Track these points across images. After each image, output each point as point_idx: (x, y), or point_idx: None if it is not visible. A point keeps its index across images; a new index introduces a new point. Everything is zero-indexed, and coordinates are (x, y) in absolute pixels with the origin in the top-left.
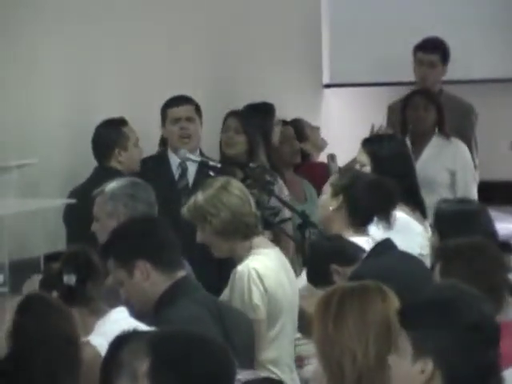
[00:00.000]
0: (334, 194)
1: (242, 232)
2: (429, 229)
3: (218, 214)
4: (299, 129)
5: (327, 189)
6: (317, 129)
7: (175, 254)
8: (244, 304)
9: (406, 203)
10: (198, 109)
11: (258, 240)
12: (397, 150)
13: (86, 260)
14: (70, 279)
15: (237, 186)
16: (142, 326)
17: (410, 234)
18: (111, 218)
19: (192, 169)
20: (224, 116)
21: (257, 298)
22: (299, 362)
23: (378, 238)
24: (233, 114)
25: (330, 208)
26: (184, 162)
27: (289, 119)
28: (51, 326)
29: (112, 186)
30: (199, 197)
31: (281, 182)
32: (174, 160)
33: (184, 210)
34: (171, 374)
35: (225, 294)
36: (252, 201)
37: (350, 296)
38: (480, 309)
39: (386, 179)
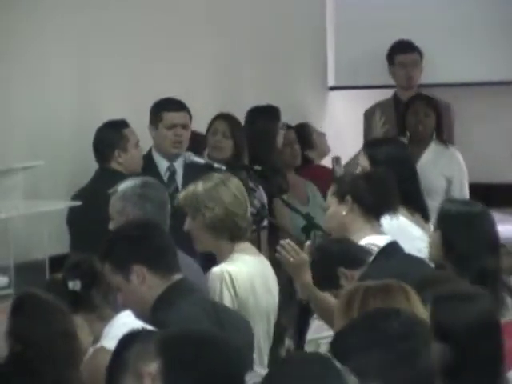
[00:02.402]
0: (341, 200)
1: (230, 232)
2: (430, 232)
3: (212, 209)
4: (306, 135)
5: (331, 200)
6: (323, 135)
7: (171, 257)
8: None
9: (405, 206)
10: (190, 115)
11: (244, 245)
12: (396, 154)
13: (89, 267)
14: (75, 285)
15: (237, 186)
16: (150, 328)
17: (409, 237)
18: (121, 217)
19: (180, 172)
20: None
21: (227, 301)
22: None
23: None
24: (221, 117)
25: (343, 213)
26: (172, 165)
27: (294, 121)
28: (49, 322)
29: (124, 185)
30: (199, 186)
31: (261, 189)
32: (162, 163)
33: (180, 196)
34: (183, 374)
35: None
36: (248, 205)
37: (374, 294)
38: (398, 317)
39: (379, 170)
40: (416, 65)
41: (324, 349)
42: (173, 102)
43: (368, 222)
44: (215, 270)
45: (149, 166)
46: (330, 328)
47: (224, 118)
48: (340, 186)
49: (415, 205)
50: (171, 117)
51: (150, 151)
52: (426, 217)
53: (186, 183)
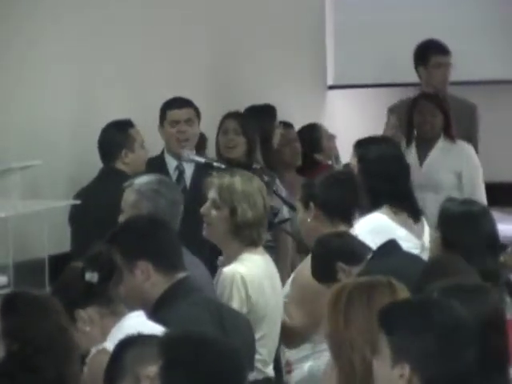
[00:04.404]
0: (305, 206)
1: (250, 239)
2: (422, 231)
3: (246, 211)
4: (316, 138)
5: (298, 206)
6: (333, 137)
7: (177, 256)
8: None
9: (391, 206)
10: (197, 112)
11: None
12: (385, 153)
13: (109, 260)
14: (92, 277)
15: (266, 195)
16: (160, 329)
17: (390, 237)
18: (134, 210)
19: (189, 171)
20: (221, 118)
21: (236, 303)
22: (287, 367)
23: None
24: (231, 115)
25: (308, 220)
26: (181, 165)
27: (292, 120)
28: (44, 317)
29: (140, 179)
30: (237, 183)
31: (278, 182)
32: (171, 162)
33: (214, 182)
34: (183, 374)
35: None
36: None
37: (359, 291)
38: (454, 312)
39: (343, 172)
40: (450, 67)
41: (286, 355)
42: (176, 100)
43: (334, 227)
44: (227, 270)
45: (159, 165)
46: (283, 345)
47: (234, 116)
48: (304, 192)
49: (405, 204)
50: (173, 114)
51: (162, 151)
52: (415, 217)
53: (195, 183)
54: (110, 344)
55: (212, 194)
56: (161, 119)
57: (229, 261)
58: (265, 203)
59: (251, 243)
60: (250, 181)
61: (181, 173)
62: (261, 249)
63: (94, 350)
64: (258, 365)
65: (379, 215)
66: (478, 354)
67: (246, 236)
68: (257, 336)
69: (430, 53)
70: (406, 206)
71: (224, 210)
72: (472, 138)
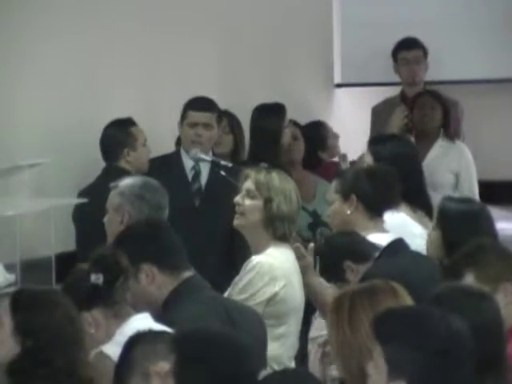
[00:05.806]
0: (346, 198)
1: (280, 232)
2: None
3: (281, 204)
4: (323, 137)
5: (335, 197)
6: (337, 136)
7: (180, 255)
8: (246, 295)
9: (408, 203)
10: (219, 115)
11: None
12: (399, 151)
13: (115, 261)
14: (97, 278)
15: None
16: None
17: (409, 234)
18: (117, 213)
19: (205, 171)
20: None
21: (262, 292)
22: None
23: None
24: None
25: (348, 212)
26: (198, 164)
27: (300, 119)
28: (51, 309)
29: (126, 182)
30: (275, 177)
31: None
32: (187, 161)
33: (251, 175)
34: (195, 370)
35: (235, 280)
36: None
37: (361, 297)
38: (450, 328)
39: (381, 166)
40: (419, 61)
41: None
42: (200, 101)
43: (371, 220)
44: (256, 260)
45: (176, 163)
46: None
47: (223, 113)
48: (344, 184)
49: (419, 202)
50: (193, 115)
51: (179, 149)
52: (430, 214)
53: (210, 183)
54: (109, 346)
55: (247, 185)
56: (181, 117)
57: (256, 253)
58: (298, 202)
59: (281, 237)
60: (286, 179)
61: (197, 173)
62: (288, 244)
63: (93, 353)
64: (282, 360)
65: (397, 213)
66: (477, 359)
67: (277, 228)
68: (282, 330)
69: (397, 50)
70: (421, 204)
71: (259, 200)
72: (456, 134)
